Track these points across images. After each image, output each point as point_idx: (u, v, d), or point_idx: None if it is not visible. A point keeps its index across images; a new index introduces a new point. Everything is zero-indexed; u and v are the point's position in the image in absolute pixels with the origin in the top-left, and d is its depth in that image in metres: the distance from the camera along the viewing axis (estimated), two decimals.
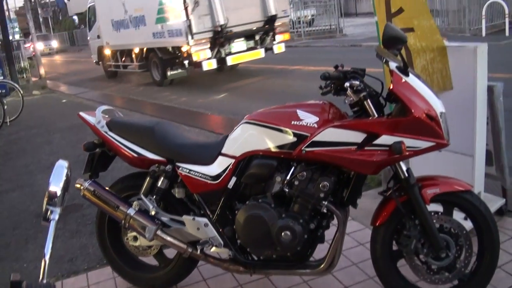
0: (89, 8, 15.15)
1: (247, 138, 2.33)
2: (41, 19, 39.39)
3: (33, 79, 15.26)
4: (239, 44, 10.15)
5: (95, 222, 2.82)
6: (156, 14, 10.43)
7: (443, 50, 2.84)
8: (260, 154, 2.29)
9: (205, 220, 2.42)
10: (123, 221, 2.50)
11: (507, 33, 12.02)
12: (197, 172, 2.40)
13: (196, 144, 2.52)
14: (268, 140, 2.25)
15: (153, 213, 2.47)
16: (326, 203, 2.22)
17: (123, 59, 13.09)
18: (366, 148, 2.10)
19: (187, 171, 2.42)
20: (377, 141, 2.08)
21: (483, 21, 12.17)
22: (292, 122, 2.20)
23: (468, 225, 2.33)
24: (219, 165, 2.38)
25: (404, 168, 2.21)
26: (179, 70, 10.76)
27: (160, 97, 10.04)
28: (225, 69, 11.55)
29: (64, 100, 10.86)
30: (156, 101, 9.60)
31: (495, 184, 3.20)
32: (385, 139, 2.07)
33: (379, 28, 3.05)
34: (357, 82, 2.10)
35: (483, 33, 12.43)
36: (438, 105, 2.11)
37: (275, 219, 2.26)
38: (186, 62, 10.11)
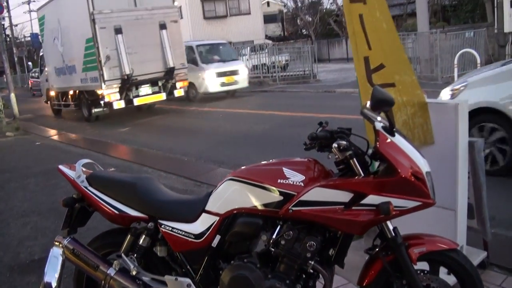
0: (40, 56, 18.75)
1: (231, 195, 2.29)
2: (16, 59, 39.07)
3: (6, 119, 14.99)
4: (145, 89, 13.30)
5: (73, 279, 2.70)
6: (82, 64, 13.45)
7: (424, 105, 2.90)
8: (245, 212, 2.25)
9: (188, 280, 2.34)
10: (103, 282, 2.40)
11: None
12: (180, 230, 2.34)
13: (178, 201, 2.48)
14: (254, 198, 2.22)
15: (134, 273, 2.39)
16: (312, 262, 2.18)
17: (64, 99, 15.84)
18: (353, 208, 2.09)
19: (170, 229, 2.36)
20: (364, 201, 2.07)
21: (455, 70, 12.60)
22: (279, 181, 2.18)
23: (452, 279, 2.32)
24: (202, 223, 2.33)
25: (391, 227, 2.20)
26: (101, 109, 13.40)
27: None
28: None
29: (38, 143, 10.65)
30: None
31: (476, 237, 3.22)
32: (372, 199, 2.07)
33: (360, 84, 3.09)
34: (344, 142, 2.10)
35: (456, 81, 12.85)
36: (423, 165, 2.12)
37: (261, 280, 2.20)
38: (102, 102, 13.01)
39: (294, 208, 2.12)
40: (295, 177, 2.18)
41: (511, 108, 4.61)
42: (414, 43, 14.63)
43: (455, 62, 12.25)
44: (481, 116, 4.80)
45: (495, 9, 14.24)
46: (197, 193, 5.05)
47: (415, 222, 2.49)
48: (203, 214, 2.34)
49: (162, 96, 13.48)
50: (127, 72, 12.34)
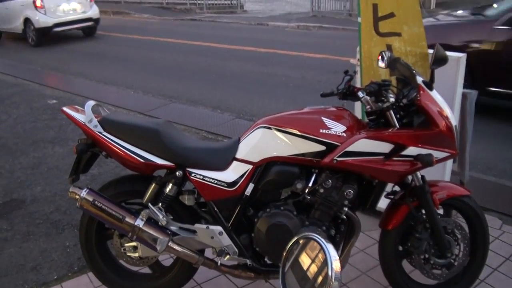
0: None
1: (266, 143, 2.26)
2: None
3: None
4: None
5: (80, 230, 2.55)
6: None
7: (426, 56, 2.99)
8: (281, 160, 2.25)
9: (219, 228, 2.33)
10: (130, 234, 2.31)
11: None
12: (212, 179, 2.29)
13: (206, 148, 2.39)
14: (293, 147, 2.21)
15: (164, 223, 2.32)
16: (346, 209, 2.27)
17: None
18: (393, 158, 2.17)
19: (201, 177, 2.30)
20: (404, 152, 2.16)
21: None
22: (321, 131, 2.18)
23: None
24: (234, 171, 2.29)
25: (420, 176, 2.32)
26: None
27: None
28: None
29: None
30: None
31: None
32: (412, 151, 2.16)
33: (362, 29, 3.10)
34: (393, 95, 2.14)
35: None
36: (453, 119, 2.24)
37: (298, 227, 2.25)
38: None
39: (339, 159, 2.15)
40: (337, 128, 2.19)
41: None
42: None
43: None
44: None
45: None
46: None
47: None
48: (234, 162, 2.30)
49: None
50: None
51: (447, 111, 2.23)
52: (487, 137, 4.95)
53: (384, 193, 2.44)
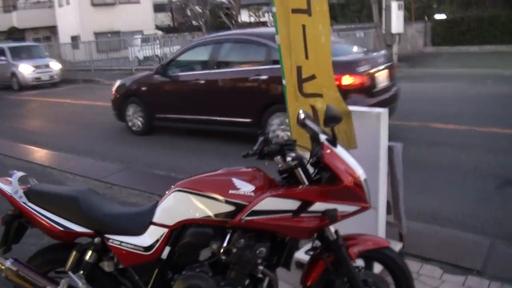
0: None
1: (180, 206, 2.32)
2: None
3: None
4: None
5: None
6: None
7: (348, 114, 3.12)
8: (195, 222, 2.30)
9: None
10: None
11: None
12: (129, 244, 2.33)
13: (124, 214, 2.45)
14: (204, 209, 2.27)
15: None
16: (262, 267, 2.30)
17: None
18: (301, 215, 2.24)
19: (118, 243, 2.33)
20: (311, 208, 2.23)
21: None
22: (230, 191, 2.26)
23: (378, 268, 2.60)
24: (151, 235, 2.33)
25: (333, 231, 2.38)
26: None
27: None
28: None
29: None
30: None
31: (392, 230, 3.55)
32: (319, 206, 2.23)
33: (288, 91, 3.23)
34: (294, 155, 2.24)
35: None
36: (361, 173, 2.33)
37: None
38: None
39: (246, 218, 2.21)
40: (246, 188, 2.27)
41: None
42: None
43: None
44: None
45: (383, 11, 15.31)
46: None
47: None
48: (151, 226, 2.34)
49: None
50: None
51: (353, 165, 2.31)
52: (432, 186, 5.07)
53: (306, 249, 2.49)
